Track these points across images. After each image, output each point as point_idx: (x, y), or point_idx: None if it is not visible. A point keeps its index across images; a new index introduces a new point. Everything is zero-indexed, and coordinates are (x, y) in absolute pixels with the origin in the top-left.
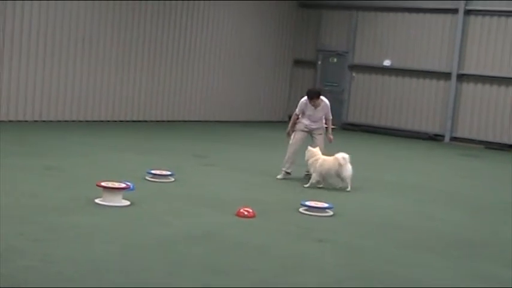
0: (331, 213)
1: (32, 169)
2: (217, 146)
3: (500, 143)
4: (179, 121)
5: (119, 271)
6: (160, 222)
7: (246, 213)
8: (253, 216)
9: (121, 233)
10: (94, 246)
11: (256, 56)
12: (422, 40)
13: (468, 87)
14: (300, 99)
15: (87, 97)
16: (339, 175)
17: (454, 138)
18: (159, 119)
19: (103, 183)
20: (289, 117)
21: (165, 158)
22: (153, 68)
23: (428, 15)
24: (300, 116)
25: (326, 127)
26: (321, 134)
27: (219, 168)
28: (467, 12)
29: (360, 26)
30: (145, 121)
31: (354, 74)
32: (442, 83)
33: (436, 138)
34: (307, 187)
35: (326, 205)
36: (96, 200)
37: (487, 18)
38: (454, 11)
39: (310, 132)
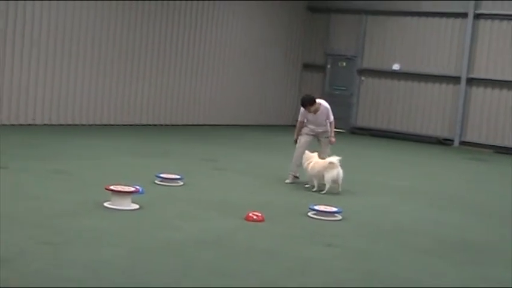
0: (340, 217)
1: (40, 173)
2: (226, 150)
3: (509, 148)
4: (188, 125)
5: (127, 274)
6: (169, 226)
7: (255, 217)
8: (262, 221)
9: (130, 236)
10: (103, 249)
11: (265, 60)
12: (432, 44)
13: (477, 92)
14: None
15: (95, 101)
16: (322, 178)
17: (463, 143)
18: (167, 123)
19: (112, 187)
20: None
21: (174, 162)
22: (162, 71)
23: (437, 19)
24: (304, 122)
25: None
26: (327, 137)
27: (228, 172)
28: (477, 17)
29: (369, 30)
30: (154, 125)
31: (362, 78)
32: (451, 87)
33: (445, 142)
34: (315, 191)
35: (335, 209)
36: (105, 204)
37: (497, 22)
38: (464, 15)
39: (316, 136)
